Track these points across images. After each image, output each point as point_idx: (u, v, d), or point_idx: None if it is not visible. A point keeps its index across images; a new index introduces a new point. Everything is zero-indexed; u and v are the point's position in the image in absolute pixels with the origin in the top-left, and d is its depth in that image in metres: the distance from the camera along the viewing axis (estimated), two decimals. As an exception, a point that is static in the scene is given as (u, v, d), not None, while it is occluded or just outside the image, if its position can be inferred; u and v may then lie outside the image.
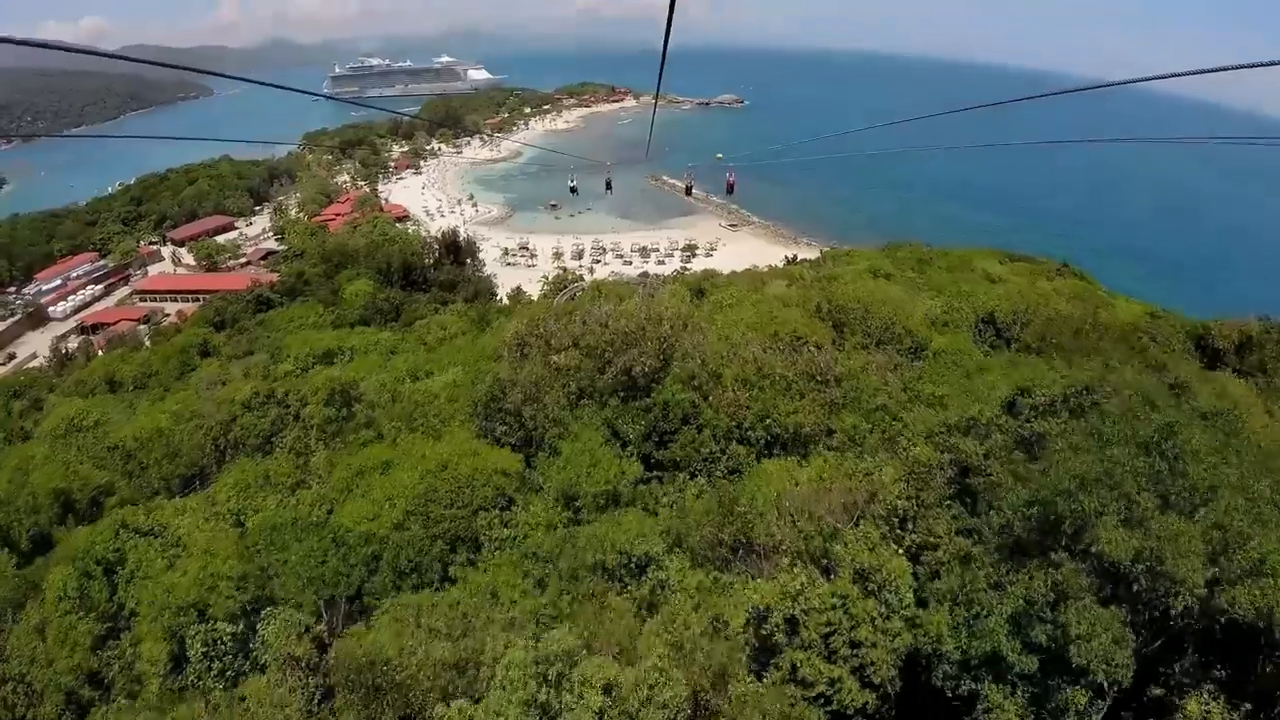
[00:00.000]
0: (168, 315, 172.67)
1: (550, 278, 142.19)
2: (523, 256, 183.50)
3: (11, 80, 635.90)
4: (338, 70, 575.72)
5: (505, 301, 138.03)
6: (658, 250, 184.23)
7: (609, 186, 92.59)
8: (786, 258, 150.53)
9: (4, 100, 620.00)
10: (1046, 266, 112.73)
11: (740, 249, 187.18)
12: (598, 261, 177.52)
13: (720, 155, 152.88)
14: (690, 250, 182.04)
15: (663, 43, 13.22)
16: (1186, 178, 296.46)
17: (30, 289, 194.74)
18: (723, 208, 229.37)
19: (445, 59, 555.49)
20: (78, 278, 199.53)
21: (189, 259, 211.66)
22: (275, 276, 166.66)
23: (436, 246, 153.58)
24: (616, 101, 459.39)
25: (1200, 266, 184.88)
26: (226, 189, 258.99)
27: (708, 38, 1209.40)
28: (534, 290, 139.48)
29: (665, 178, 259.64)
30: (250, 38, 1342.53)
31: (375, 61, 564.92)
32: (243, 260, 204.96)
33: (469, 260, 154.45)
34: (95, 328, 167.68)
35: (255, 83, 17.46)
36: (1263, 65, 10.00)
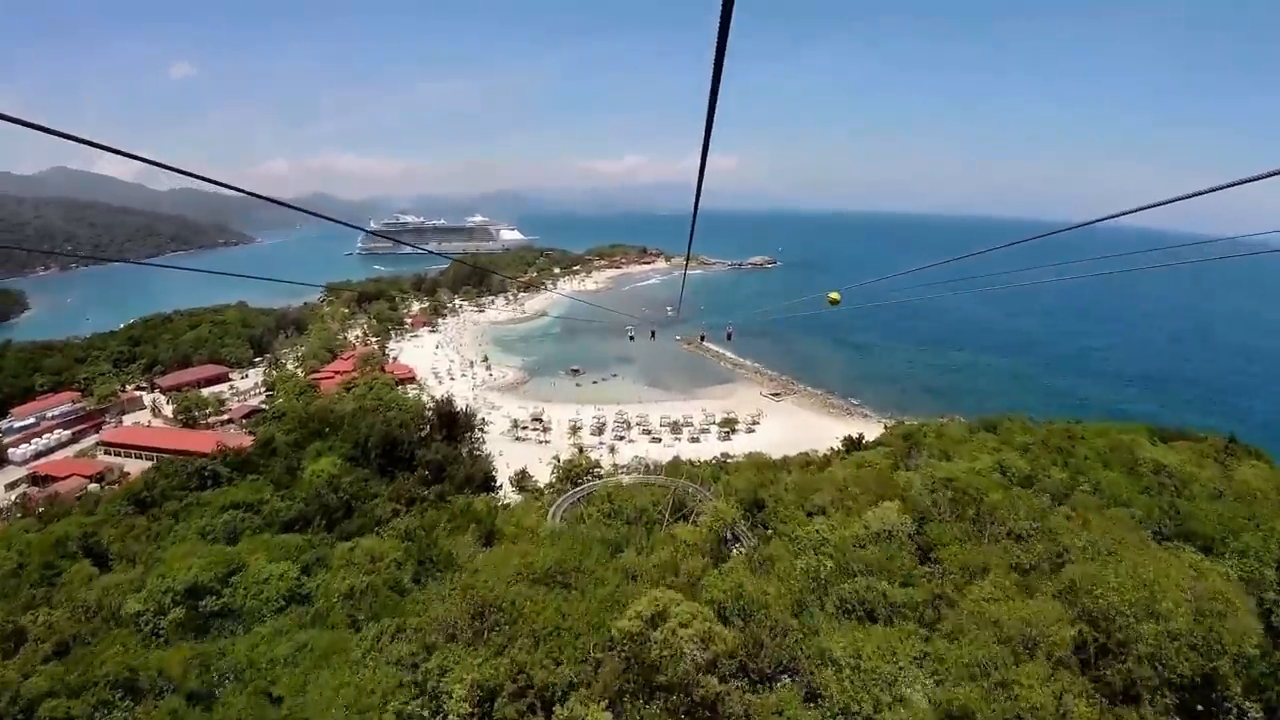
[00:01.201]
0: (127, 473, 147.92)
1: (562, 461, 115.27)
2: (535, 430, 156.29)
3: (62, 209, 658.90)
4: (373, 225, 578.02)
5: (506, 493, 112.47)
6: (691, 425, 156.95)
7: (652, 335, 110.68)
8: (849, 438, 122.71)
9: (50, 228, 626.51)
10: (1211, 444, 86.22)
11: (787, 422, 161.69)
12: (621, 438, 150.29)
13: (731, 327, 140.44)
14: (729, 425, 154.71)
15: (693, 206, 12.91)
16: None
17: (2, 425, 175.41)
18: (763, 374, 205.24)
19: (478, 218, 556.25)
20: (52, 418, 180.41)
21: (169, 410, 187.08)
22: (251, 439, 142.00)
23: (431, 417, 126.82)
24: (647, 263, 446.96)
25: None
26: (229, 336, 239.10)
27: (735, 202, 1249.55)
28: (543, 474, 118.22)
29: (701, 340, 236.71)
30: (297, 190, 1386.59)
31: (410, 218, 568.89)
32: (224, 417, 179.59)
33: (468, 434, 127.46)
34: (45, 479, 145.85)
35: (299, 209, 16.87)
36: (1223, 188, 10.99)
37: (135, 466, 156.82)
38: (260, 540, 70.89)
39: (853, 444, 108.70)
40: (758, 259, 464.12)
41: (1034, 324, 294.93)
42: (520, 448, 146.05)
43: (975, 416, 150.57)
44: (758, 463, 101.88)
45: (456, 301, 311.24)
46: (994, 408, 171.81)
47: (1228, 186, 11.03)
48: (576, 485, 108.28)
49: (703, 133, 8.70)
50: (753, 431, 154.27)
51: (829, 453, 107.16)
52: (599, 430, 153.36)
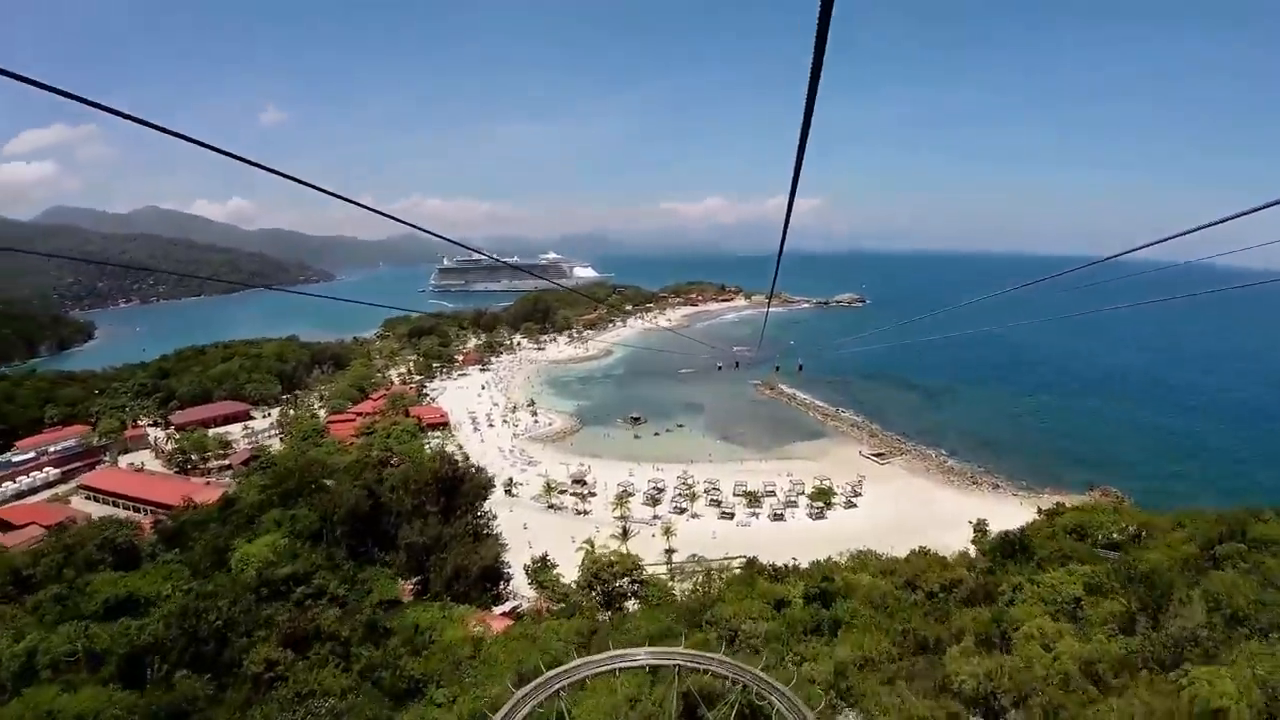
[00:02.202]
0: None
1: (595, 548, 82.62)
2: (574, 496, 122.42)
3: (149, 245, 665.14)
4: (445, 263, 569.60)
5: (517, 588, 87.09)
6: (774, 494, 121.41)
7: (736, 365, 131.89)
8: (980, 532, 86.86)
9: (136, 263, 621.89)
10: None
11: (897, 493, 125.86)
12: (682, 510, 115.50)
13: (801, 365, 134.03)
14: (823, 498, 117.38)
15: (780, 242, 12.46)
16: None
17: (3, 457, 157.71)
18: (860, 428, 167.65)
19: (551, 255, 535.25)
20: (54, 453, 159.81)
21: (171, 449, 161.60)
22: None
23: (431, 481, 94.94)
24: (726, 300, 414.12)
25: None
26: (260, 371, 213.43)
27: (816, 243, 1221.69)
28: (570, 561, 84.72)
29: (784, 387, 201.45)
30: (382, 230, 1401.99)
31: (482, 256, 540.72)
32: (224, 462, 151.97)
33: (475, 504, 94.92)
34: (3, 525, 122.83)
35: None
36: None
37: (110, 515, 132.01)
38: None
39: (1014, 548, 72.58)
40: (846, 296, 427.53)
41: (1136, 360, 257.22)
42: (552, 520, 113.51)
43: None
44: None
45: (516, 339, 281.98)
46: (1148, 475, 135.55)
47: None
48: (607, 589, 75.03)
49: (790, 174, 8.16)
50: (853, 506, 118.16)
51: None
52: (654, 499, 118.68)
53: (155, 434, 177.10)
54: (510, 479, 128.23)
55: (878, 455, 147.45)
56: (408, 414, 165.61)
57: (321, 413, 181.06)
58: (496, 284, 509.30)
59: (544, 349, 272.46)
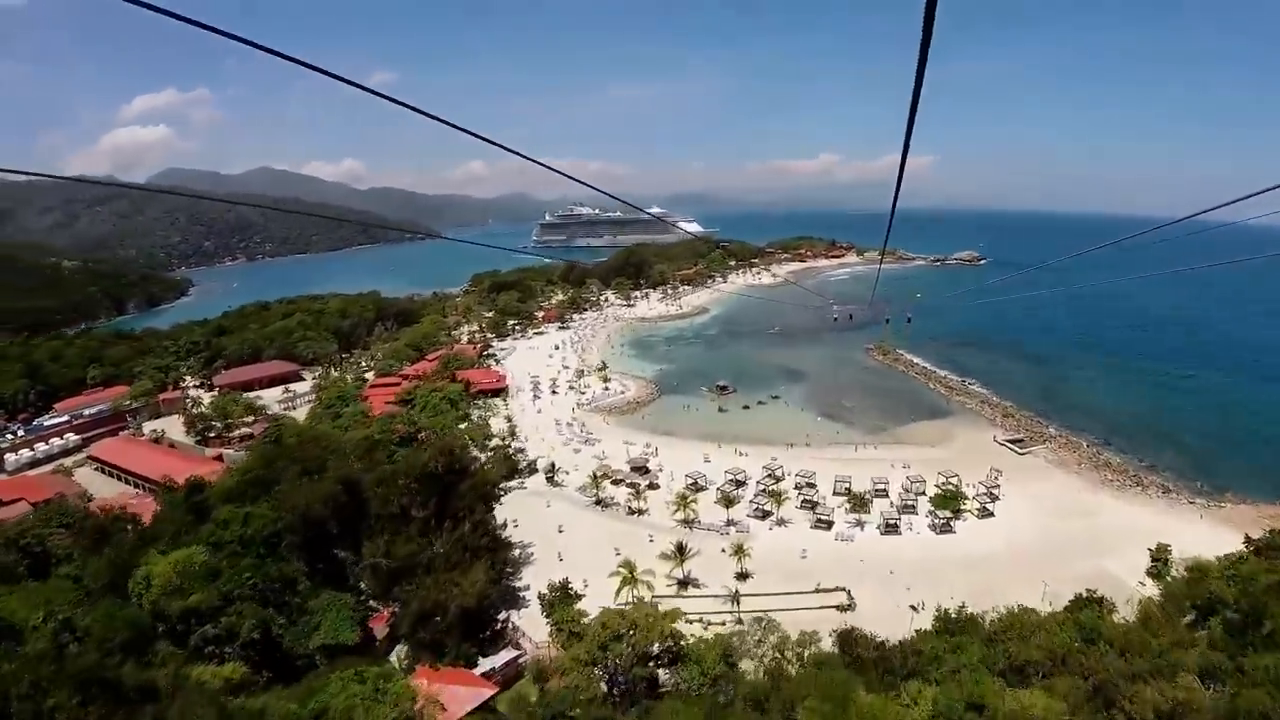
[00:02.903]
0: (89, 500, 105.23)
1: (605, 615, 58.45)
2: (630, 488, 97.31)
3: (258, 205, 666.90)
4: (547, 218, 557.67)
5: (524, 631, 68.27)
6: (884, 491, 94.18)
7: (850, 318, 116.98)
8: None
9: (245, 222, 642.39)
10: None
11: (1043, 497, 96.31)
12: (767, 513, 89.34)
13: (919, 294, 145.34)
14: (950, 505, 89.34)
15: (892, 200, 12.16)
16: None
17: (37, 421, 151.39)
18: (992, 404, 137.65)
19: (655, 210, 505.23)
20: (85, 417, 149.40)
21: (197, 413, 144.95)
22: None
23: (418, 478, 71.95)
24: (836, 257, 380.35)
25: None
26: (319, 328, 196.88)
27: (933, 201, 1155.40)
28: (605, 587, 67.88)
29: (902, 352, 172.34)
30: (494, 190, 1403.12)
31: (584, 210, 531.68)
32: (247, 431, 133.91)
33: (476, 507, 71.23)
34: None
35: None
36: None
37: (111, 490, 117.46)
38: None
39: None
40: (964, 254, 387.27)
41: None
42: (597, 521, 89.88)
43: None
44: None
45: (606, 294, 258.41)
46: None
47: None
48: (625, 667, 50.26)
49: (904, 128, 7.68)
50: (988, 514, 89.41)
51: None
52: (730, 497, 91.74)
53: (197, 396, 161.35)
54: (553, 464, 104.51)
55: (1015, 442, 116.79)
56: (455, 378, 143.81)
57: (370, 374, 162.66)
58: (598, 239, 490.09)
59: (634, 305, 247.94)
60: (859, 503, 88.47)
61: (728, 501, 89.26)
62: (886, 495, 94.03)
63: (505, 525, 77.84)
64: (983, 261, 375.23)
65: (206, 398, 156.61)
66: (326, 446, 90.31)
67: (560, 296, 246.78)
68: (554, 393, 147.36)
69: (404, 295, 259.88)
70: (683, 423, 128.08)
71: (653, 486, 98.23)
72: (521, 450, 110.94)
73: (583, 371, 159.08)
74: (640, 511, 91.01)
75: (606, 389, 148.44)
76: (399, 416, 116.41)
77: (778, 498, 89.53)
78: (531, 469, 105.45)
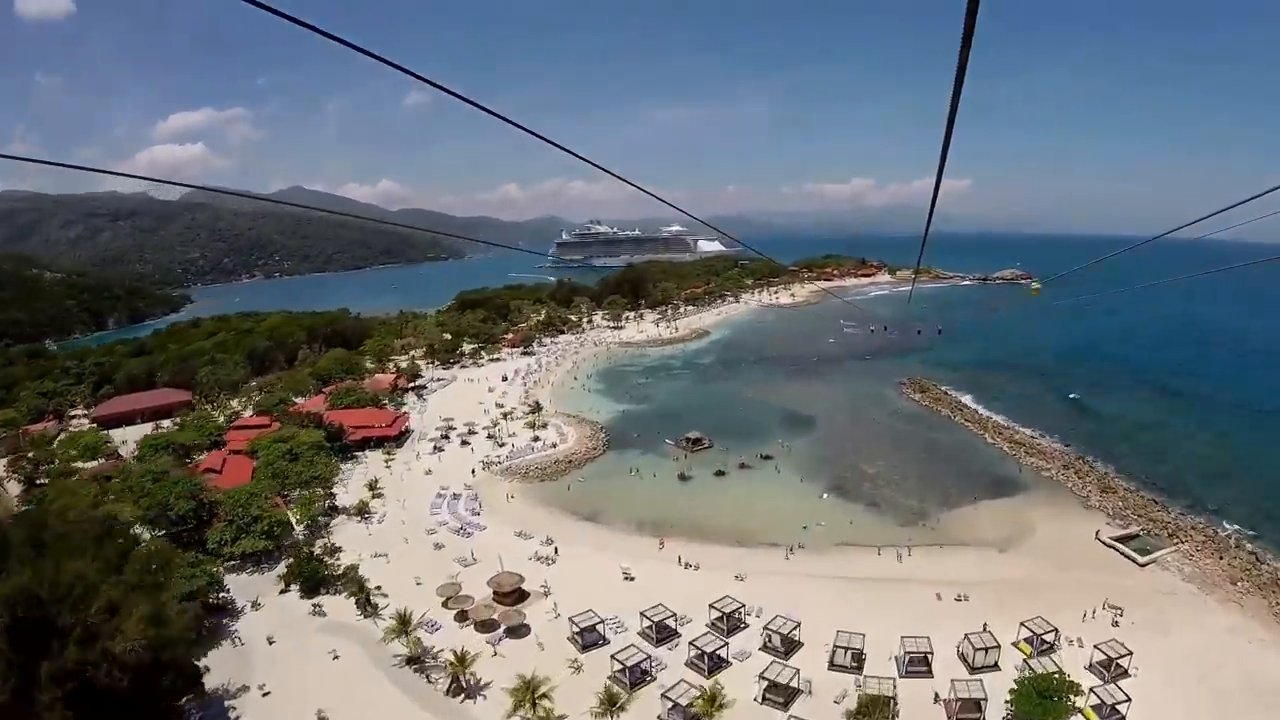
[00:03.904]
0: None
1: None
2: (484, 629, 53.66)
3: (278, 223, 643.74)
4: (564, 237, 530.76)
5: None
6: (924, 666, 49.96)
7: (885, 329, 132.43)
8: None
9: (264, 240, 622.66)
10: None
11: (1197, 656, 51.99)
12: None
13: (940, 329, 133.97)
14: (1052, 689, 43.51)
15: (929, 209, 11.31)
16: None
17: None
18: (1084, 472, 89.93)
19: (675, 228, 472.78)
20: None
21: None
22: None
23: None
24: (867, 276, 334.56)
25: None
26: (240, 350, 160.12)
27: (968, 225, 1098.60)
28: None
29: (947, 389, 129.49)
30: (526, 213, 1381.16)
31: (601, 229, 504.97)
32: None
33: None
34: None
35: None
36: None
37: None
38: None
39: None
40: (1008, 272, 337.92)
41: None
42: (392, 703, 46.47)
43: None
44: None
45: (590, 315, 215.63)
46: None
47: None
48: None
49: (939, 151, 7.52)
50: (1115, 716, 44.54)
51: None
52: (640, 672, 47.97)
53: (78, 428, 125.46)
54: (371, 589, 61.02)
55: (1128, 539, 70.96)
56: (323, 421, 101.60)
57: (249, 410, 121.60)
58: (615, 259, 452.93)
59: (623, 327, 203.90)
60: (874, 708, 43.79)
61: (634, 681, 45.27)
62: (928, 671, 49.58)
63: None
64: (1029, 279, 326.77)
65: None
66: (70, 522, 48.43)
67: (538, 317, 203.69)
68: (464, 443, 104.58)
69: (390, 313, 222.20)
70: (621, 499, 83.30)
71: (515, 632, 54.77)
72: (339, 552, 67.77)
73: (508, 414, 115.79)
74: (469, 690, 47.53)
75: (537, 439, 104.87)
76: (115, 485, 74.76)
77: (712, 705, 44.41)
78: (353, 580, 62.54)
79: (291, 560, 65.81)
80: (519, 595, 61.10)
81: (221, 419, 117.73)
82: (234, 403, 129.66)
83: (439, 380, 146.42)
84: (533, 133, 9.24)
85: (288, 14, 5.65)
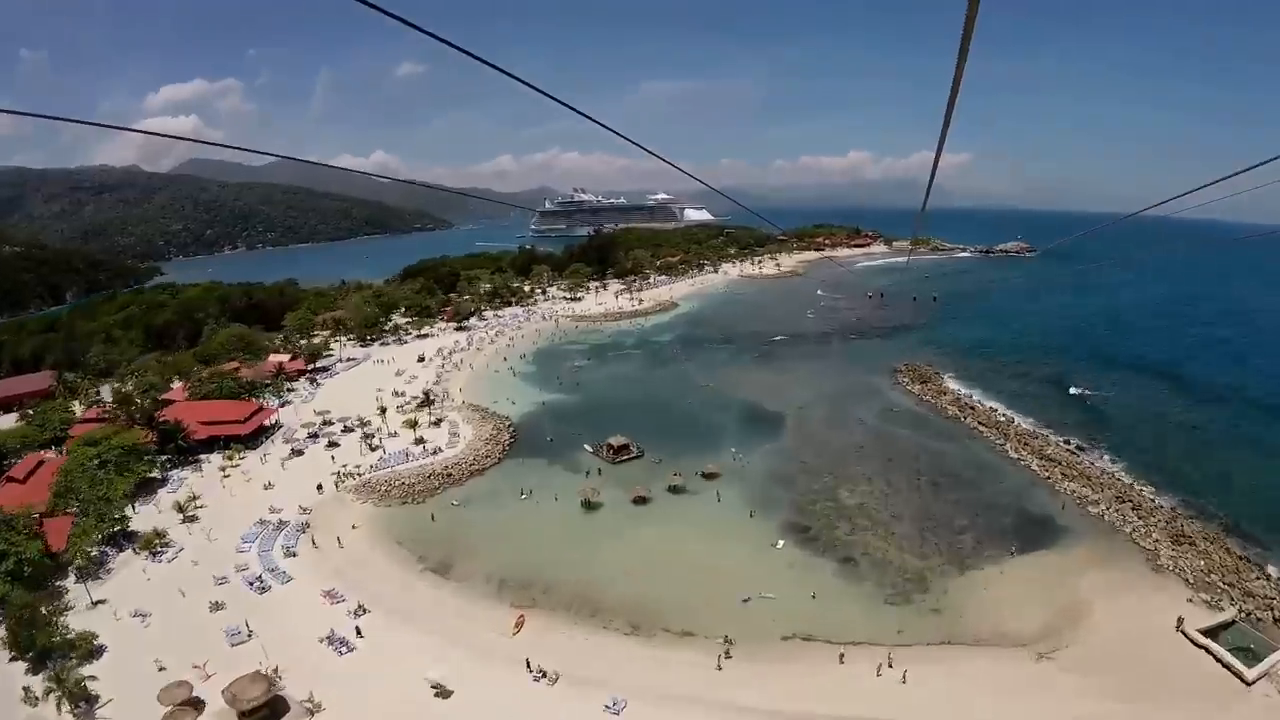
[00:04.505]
0: None
1: None
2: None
3: (262, 193, 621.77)
4: (548, 205, 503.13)
5: None
6: None
7: (882, 296, 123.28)
8: None
9: (248, 210, 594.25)
10: None
11: None
12: None
13: (935, 297, 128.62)
14: None
15: (930, 173, 10.94)
16: None
17: None
18: (1150, 509, 62.31)
19: (661, 196, 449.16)
20: None
21: None
22: None
23: None
24: (860, 246, 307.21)
25: None
26: (141, 325, 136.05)
27: (967, 201, 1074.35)
28: None
29: (951, 383, 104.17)
30: (518, 184, 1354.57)
31: (585, 197, 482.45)
32: None
33: None
34: None
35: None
36: None
37: None
38: None
39: None
40: (1011, 245, 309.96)
41: None
42: None
43: None
44: None
45: (544, 286, 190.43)
46: None
47: None
48: None
49: (940, 122, 7.18)
50: None
51: None
52: None
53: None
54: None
55: (1220, 631, 45.20)
56: (154, 420, 76.86)
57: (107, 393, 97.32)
58: (600, 227, 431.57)
59: (580, 299, 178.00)
60: None
61: None
62: None
63: None
64: (1033, 252, 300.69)
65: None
66: None
67: (487, 286, 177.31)
68: (332, 444, 79.57)
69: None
70: (494, 536, 57.90)
71: None
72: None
73: (403, 405, 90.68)
74: None
75: (420, 442, 79.62)
76: None
77: None
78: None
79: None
80: (269, 714, 36.66)
81: (79, 410, 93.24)
82: (104, 390, 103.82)
83: (349, 361, 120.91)
84: (533, 86, 8.19)
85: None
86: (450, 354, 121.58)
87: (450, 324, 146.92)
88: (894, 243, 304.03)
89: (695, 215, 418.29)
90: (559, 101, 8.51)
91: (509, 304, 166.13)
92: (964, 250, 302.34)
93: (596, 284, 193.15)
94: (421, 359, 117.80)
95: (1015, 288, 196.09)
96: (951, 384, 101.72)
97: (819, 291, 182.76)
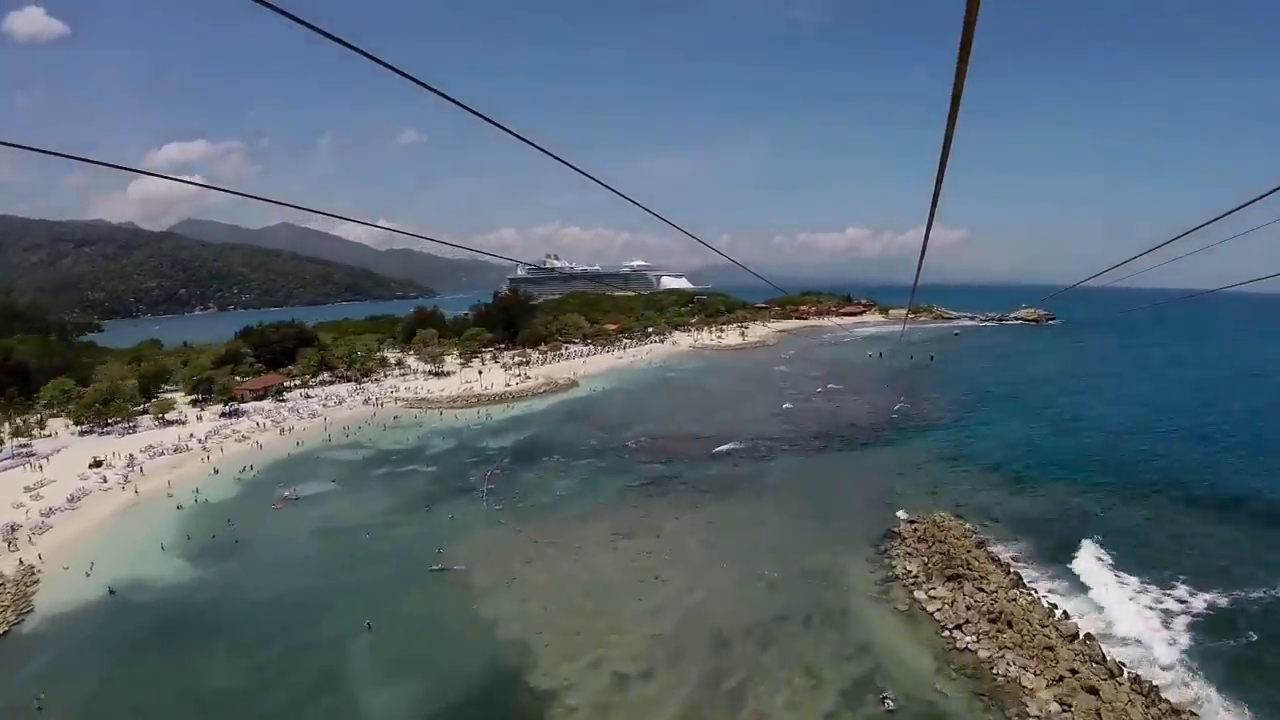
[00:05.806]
0: None
1: None
2: None
3: (242, 254, 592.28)
4: (519, 272, 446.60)
5: None
6: None
7: (880, 356, 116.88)
8: None
9: (225, 272, 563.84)
10: None
11: None
12: None
13: (932, 356, 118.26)
14: None
15: (925, 231, 8.43)
16: None
17: None
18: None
19: (637, 263, 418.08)
20: None
21: None
22: None
23: None
24: (852, 315, 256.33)
25: None
26: None
27: (965, 276, 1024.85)
28: None
29: (998, 569, 42.21)
30: (521, 256, 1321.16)
31: (558, 264, 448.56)
32: None
33: None
34: None
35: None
36: None
37: None
38: None
39: None
40: (1027, 311, 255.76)
41: None
42: None
43: None
44: None
45: (410, 357, 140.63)
46: None
47: None
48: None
49: (929, 201, 6.38)
50: None
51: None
52: None
53: None
54: None
55: None
56: None
57: None
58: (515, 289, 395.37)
59: (448, 374, 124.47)
60: None
61: None
62: None
63: None
64: (1054, 320, 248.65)
65: None
66: None
67: (312, 359, 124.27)
68: None
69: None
70: None
71: None
72: None
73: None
74: None
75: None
76: None
77: None
78: None
79: None
80: None
81: None
82: None
83: (15, 456, 69.87)
84: (540, 148, 7.32)
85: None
86: (155, 456, 69.73)
87: (255, 398, 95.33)
88: (889, 311, 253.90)
89: (673, 283, 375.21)
90: (566, 163, 7.37)
91: (313, 384, 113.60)
92: (969, 318, 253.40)
93: (493, 352, 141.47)
94: (98, 464, 66.11)
95: (1059, 364, 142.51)
96: (1008, 570, 43.69)
97: (781, 369, 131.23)
